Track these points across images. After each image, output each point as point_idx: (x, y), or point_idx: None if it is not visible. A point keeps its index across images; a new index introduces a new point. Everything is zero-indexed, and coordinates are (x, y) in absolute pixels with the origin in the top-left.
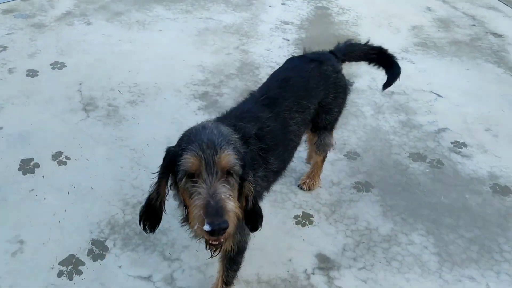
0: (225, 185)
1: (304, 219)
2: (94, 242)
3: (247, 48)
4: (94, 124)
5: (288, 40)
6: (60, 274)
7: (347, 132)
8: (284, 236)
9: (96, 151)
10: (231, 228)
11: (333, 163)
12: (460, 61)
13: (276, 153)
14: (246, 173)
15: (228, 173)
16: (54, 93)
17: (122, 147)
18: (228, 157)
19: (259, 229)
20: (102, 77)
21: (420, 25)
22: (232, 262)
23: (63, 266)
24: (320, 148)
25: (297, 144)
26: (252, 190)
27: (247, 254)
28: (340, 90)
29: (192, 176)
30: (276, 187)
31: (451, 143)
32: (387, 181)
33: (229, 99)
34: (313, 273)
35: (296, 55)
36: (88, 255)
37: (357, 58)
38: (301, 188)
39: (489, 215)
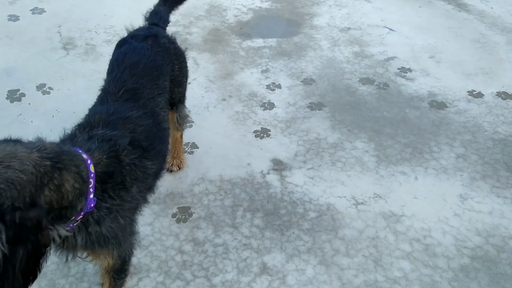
0: None
1: (262, 133)
2: None
3: None
4: (74, 60)
5: None
6: None
7: (304, 62)
8: (244, 146)
9: (76, 83)
10: None
11: (290, 88)
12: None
13: (152, 153)
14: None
15: None
16: (35, 35)
17: (100, 79)
18: None
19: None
20: (79, 20)
21: None
22: (119, 272)
23: None
24: (181, 123)
25: (169, 128)
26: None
27: (211, 161)
28: (181, 59)
29: None
30: (239, 107)
31: (398, 69)
32: (338, 101)
33: (198, 37)
34: (268, 173)
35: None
36: None
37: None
38: (171, 171)
39: (424, 125)
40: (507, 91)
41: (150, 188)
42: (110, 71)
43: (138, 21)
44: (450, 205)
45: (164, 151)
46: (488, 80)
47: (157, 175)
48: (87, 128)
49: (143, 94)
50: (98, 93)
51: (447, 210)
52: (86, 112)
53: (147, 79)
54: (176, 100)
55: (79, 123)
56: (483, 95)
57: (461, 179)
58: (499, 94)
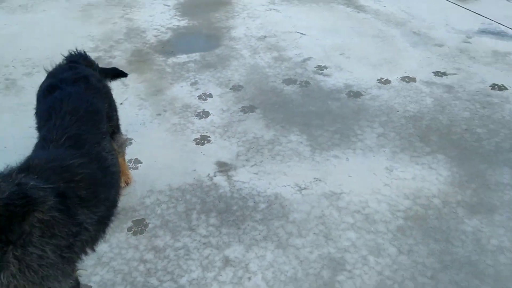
0: None
1: (203, 140)
2: None
3: (131, 16)
4: None
5: (169, 5)
6: None
7: (230, 71)
8: (187, 155)
9: (1, 118)
10: None
11: (221, 96)
12: (318, 6)
13: (94, 202)
14: None
15: None
16: None
17: (25, 111)
18: None
19: None
20: None
21: None
22: None
23: None
24: (120, 150)
25: (119, 171)
26: None
27: (157, 173)
28: (109, 94)
29: None
30: (175, 120)
31: (315, 67)
32: (267, 102)
33: (122, 59)
34: (214, 176)
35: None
36: None
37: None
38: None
39: (346, 113)
40: (409, 75)
41: (94, 239)
42: (46, 119)
43: (56, 50)
44: (379, 178)
45: (114, 196)
46: (392, 68)
47: (104, 222)
48: (24, 173)
49: (87, 139)
50: (35, 141)
51: (378, 182)
52: (17, 144)
53: (89, 124)
54: (110, 132)
55: (19, 166)
56: (390, 81)
57: (384, 154)
58: (403, 79)
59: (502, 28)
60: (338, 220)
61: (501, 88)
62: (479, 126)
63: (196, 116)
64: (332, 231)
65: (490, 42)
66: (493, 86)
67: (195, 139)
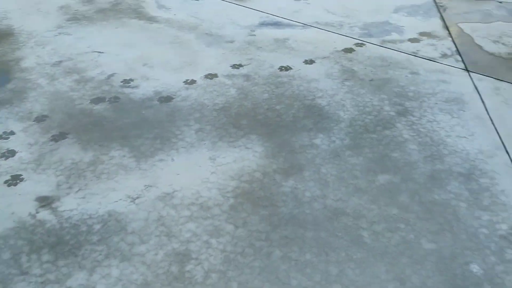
0: None
1: (14, 180)
2: None
3: None
4: None
5: None
6: None
7: (29, 103)
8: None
9: None
10: None
11: (25, 130)
12: (109, 23)
13: None
14: None
15: None
16: None
17: None
18: None
19: None
20: None
21: (67, 4)
22: None
23: None
24: None
25: None
26: None
27: None
28: None
29: None
30: None
31: (121, 82)
32: (79, 125)
33: None
34: (37, 212)
35: None
36: None
37: None
38: None
39: (161, 118)
40: (211, 72)
41: None
42: None
43: None
44: (205, 168)
45: None
46: (193, 69)
47: None
48: None
49: None
50: None
51: (205, 172)
52: None
53: None
54: None
55: None
56: (195, 81)
57: (205, 146)
58: (206, 76)
59: (277, 19)
60: (176, 217)
61: (287, 68)
62: (277, 103)
63: (1, 158)
64: (173, 228)
65: (270, 32)
66: (280, 68)
67: (6, 181)
